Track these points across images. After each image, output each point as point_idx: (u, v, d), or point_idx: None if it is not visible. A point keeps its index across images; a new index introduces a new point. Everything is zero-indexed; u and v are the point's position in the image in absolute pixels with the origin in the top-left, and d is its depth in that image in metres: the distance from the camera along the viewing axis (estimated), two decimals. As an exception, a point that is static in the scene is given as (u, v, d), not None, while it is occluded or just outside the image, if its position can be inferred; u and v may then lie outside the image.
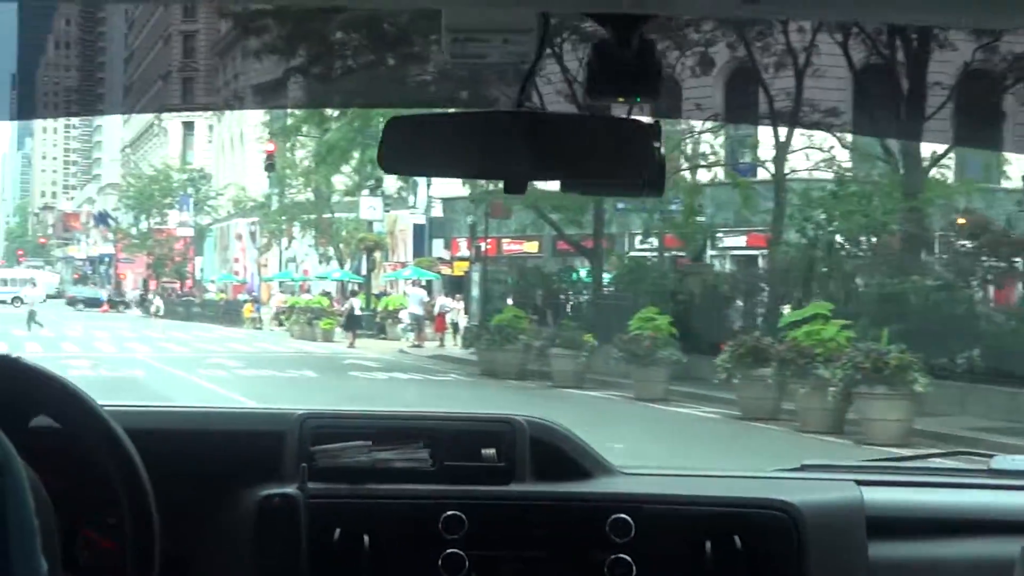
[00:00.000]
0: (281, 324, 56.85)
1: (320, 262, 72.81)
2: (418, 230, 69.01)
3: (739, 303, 31.87)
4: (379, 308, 52.32)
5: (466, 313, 46.16)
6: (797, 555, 3.32)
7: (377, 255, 59.11)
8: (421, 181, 67.71)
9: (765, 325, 27.44)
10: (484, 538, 3.31)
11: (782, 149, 32.33)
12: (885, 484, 3.67)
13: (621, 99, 2.26)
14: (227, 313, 64.88)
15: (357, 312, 47.21)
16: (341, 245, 67.74)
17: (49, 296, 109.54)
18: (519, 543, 3.34)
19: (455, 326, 44.88)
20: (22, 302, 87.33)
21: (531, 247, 57.62)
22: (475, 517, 3.30)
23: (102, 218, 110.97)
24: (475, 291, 41.70)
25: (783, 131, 32.70)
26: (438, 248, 67.17)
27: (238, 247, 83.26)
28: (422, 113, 2.34)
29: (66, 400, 2.37)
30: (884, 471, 3.94)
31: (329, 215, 67.14)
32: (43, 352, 38.77)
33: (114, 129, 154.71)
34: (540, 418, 3.59)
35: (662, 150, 2.29)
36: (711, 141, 37.63)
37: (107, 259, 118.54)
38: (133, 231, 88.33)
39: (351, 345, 44.90)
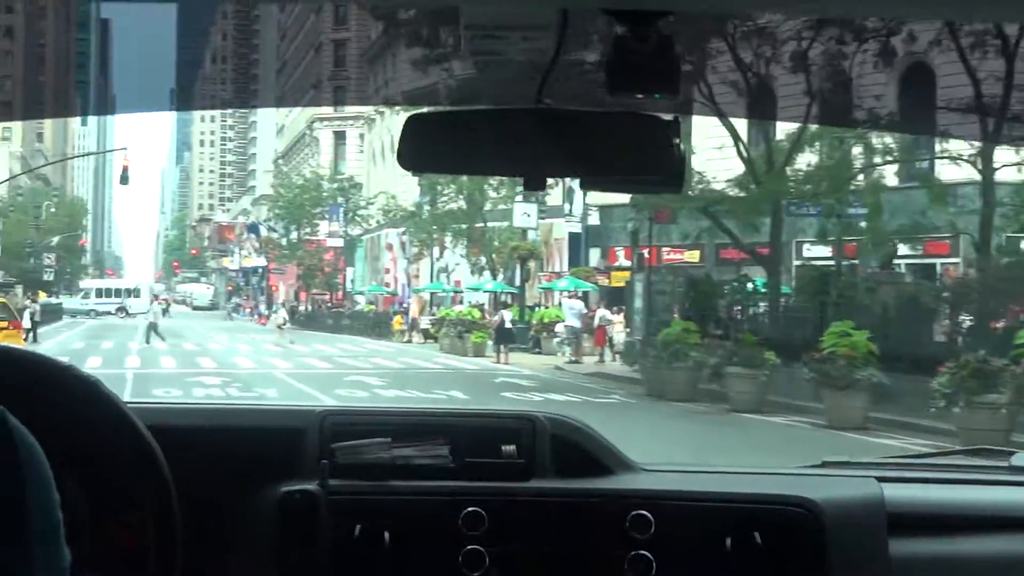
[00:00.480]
0: (428, 338, 54.22)
1: (472, 273, 70.26)
2: (573, 239, 66.13)
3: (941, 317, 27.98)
4: (534, 321, 49.23)
5: (627, 326, 42.93)
6: (818, 552, 3.25)
7: (531, 265, 56.02)
8: (578, 188, 65.70)
9: (982, 343, 23.64)
10: (504, 534, 3.24)
11: (989, 145, 28.47)
12: (906, 481, 3.58)
13: (640, 95, 2.18)
14: (376, 325, 62.43)
15: (508, 325, 44.12)
16: (494, 255, 65.21)
17: (200, 307, 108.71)
18: (539, 539, 3.27)
19: (610, 340, 41.75)
20: (127, 313, 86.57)
21: (692, 256, 54.27)
22: (495, 513, 3.23)
23: (253, 228, 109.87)
24: (637, 303, 38.40)
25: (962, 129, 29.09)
26: (594, 258, 64.23)
27: (388, 258, 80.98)
28: (441, 110, 2.29)
29: (89, 397, 2.32)
30: (905, 468, 3.83)
31: (482, 224, 64.72)
32: (177, 367, 36.44)
33: (268, 141, 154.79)
34: (560, 414, 3.52)
35: (682, 146, 2.21)
36: (881, 140, 33.84)
37: (260, 271, 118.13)
38: (283, 242, 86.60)
39: (502, 361, 41.93)
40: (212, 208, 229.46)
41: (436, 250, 71.42)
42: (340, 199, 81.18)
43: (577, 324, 41.83)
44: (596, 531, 3.28)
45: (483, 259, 66.22)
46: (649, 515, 3.24)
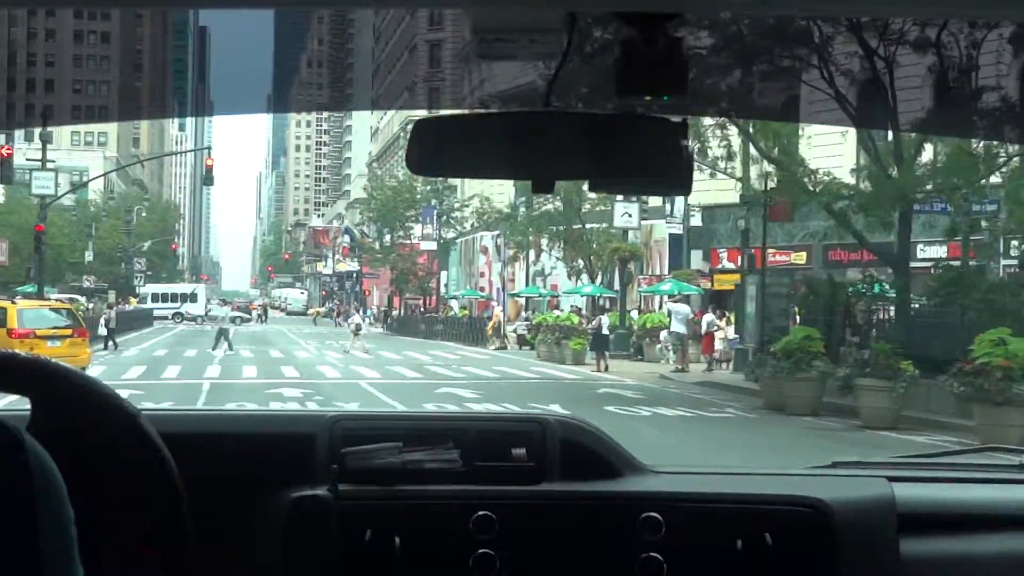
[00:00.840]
0: (524, 344, 51.75)
1: (569, 276, 67.86)
2: (674, 240, 63.44)
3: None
4: (635, 326, 46.54)
5: (736, 332, 40.13)
6: (828, 552, 3.25)
7: (632, 268, 53.32)
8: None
9: None
10: (515, 538, 3.24)
11: None
12: (916, 480, 3.58)
13: (649, 98, 2.19)
14: (470, 331, 60.09)
15: (605, 331, 41.38)
16: (592, 257, 62.73)
17: (294, 312, 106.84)
18: (550, 543, 3.27)
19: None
20: (183, 317, 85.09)
21: (798, 258, 51.42)
22: (506, 517, 3.24)
23: (348, 232, 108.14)
24: (750, 307, 35.51)
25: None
26: (696, 260, 61.51)
27: (483, 261, 78.64)
28: (449, 114, 2.30)
29: (101, 403, 2.31)
30: (915, 467, 3.83)
31: (579, 225, 62.38)
32: (257, 377, 34.26)
33: (362, 144, 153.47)
34: (569, 417, 3.53)
35: (690, 148, 2.23)
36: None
37: (354, 275, 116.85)
38: (376, 245, 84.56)
39: (601, 368, 39.30)
40: (307, 213, 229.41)
41: (532, 253, 69.10)
42: (434, 201, 78.92)
43: (683, 330, 39.07)
44: (607, 533, 3.25)
45: (580, 262, 63.90)
46: (660, 517, 3.22)
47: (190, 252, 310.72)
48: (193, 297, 78.97)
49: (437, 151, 2.28)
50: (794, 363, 25.97)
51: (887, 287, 31.01)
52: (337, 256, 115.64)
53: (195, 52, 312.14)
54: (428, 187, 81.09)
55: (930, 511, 3.42)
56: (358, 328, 51.09)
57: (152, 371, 36.05)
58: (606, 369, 39.36)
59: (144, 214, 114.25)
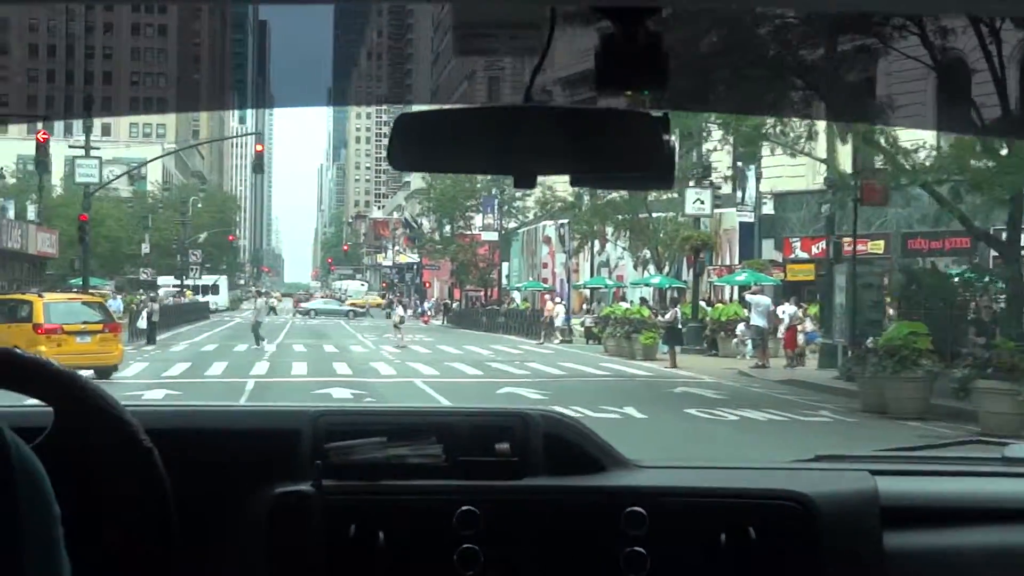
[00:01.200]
0: (590, 337, 49.04)
1: (635, 267, 65.14)
2: (745, 229, 60.62)
3: None
4: (708, 319, 43.70)
5: (818, 326, 37.25)
6: (812, 546, 3.24)
7: (703, 258, 50.53)
8: (751, 176, 60.26)
9: None
10: (499, 533, 3.23)
11: None
12: (899, 474, 3.57)
13: (629, 92, 2.18)
14: (533, 324, 57.45)
15: (679, 324, 38.61)
16: (659, 247, 59.97)
17: (356, 307, 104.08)
18: (534, 538, 3.25)
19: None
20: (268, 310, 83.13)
21: (875, 247, 48.42)
22: (489, 512, 3.22)
23: (408, 224, 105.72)
24: (839, 298, 32.56)
25: None
26: (767, 250, 58.62)
27: (546, 252, 75.89)
28: (431, 109, 2.31)
29: (86, 399, 2.35)
30: (898, 461, 3.83)
31: (646, 214, 59.65)
32: (308, 375, 31.79)
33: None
34: (552, 411, 3.51)
35: (672, 142, 2.23)
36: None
37: (414, 267, 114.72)
38: (436, 236, 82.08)
39: (673, 364, 36.53)
40: (368, 205, 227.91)
41: (596, 243, 66.39)
42: (495, 191, 76.27)
43: (763, 323, 36.18)
44: (590, 528, 3.24)
45: (647, 252, 61.20)
46: (643, 511, 3.21)
47: (251, 245, 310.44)
48: (215, 289, 75.96)
49: (418, 146, 2.26)
50: (898, 361, 23.14)
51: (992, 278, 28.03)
52: (397, 247, 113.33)
53: (255, 46, 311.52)
54: (489, 177, 78.63)
55: (913, 504, 3.37)
56: (401, 321, 48.56)
57: (196, 368, 33.70)
58: (675, 365, 36.63)
59: (200, 205, 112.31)
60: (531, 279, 74.63)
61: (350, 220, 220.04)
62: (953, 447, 4.38)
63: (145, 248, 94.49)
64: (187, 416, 3.56)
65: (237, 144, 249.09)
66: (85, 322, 29.65)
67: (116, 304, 49.84)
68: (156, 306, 49.54)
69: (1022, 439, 4.01)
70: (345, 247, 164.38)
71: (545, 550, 3.25)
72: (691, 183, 46.33)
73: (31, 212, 73.01)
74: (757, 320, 36.29)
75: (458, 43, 2.22)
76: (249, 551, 3.17)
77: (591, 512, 3.26)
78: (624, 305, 47.27)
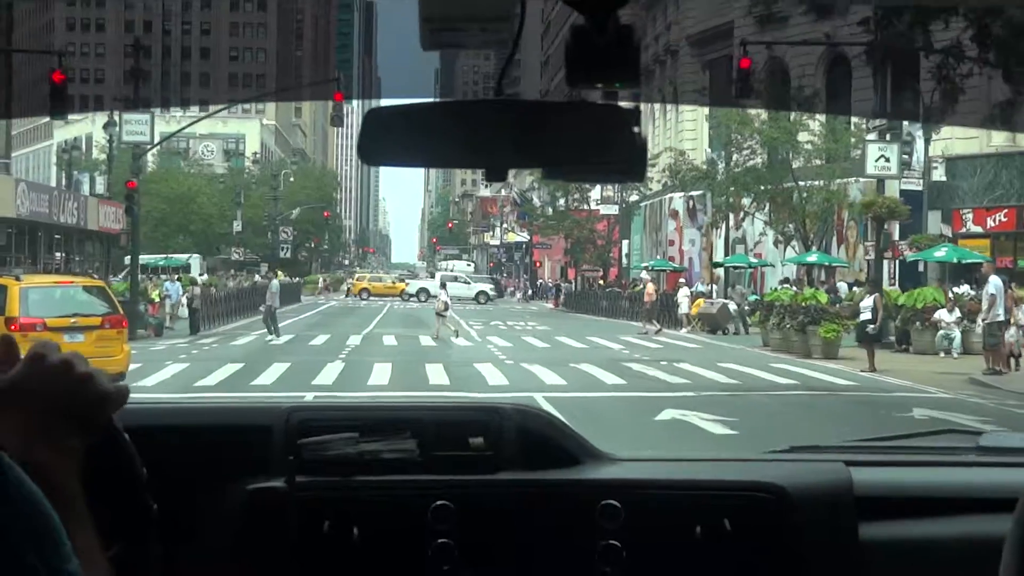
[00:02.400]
0: (745, 329, 39.90)
1: (775, 243, 55.98)
2: (909, 200, 51.33)
3: None
4: (895, 305, 34.20)
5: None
6: (787, 537, 3.22)
7: (888, 229, 41.24)
8: (919, 136, 50.93)
9: None
10: (473, 527, 3.18)
11: None
12: (874, 464, 3.55)
13: (600, 85, 2.19)
14: (663, 309, 48.27)
15: (868, 315, 29.08)
16: (806, 220, 50.82)
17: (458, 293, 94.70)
18: (509, 531, 3.21)
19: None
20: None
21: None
22: (464, 506, 3.18)
23: (516, 200, 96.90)
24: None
25: None
26: (933, 223, 49.15)
27: (672, 227, 66.61)
28: (401, 104, 2.26)
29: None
30: (873, 451, 3.81)
31: (791, 183, 50.77)
32: (389, 386, 23.08)
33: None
34: (527, 405, 3.48)
35: (643, 135, 2.19)
36: None
37: (523, 246, 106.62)
38: (548, 211, 72.87)
39: (872, 367, 27.29)
40: (475, 184, 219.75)
41: (731, 217, 57.18)
42: (614, 159, 67.31)
43: (1001, 314, 26.67)
44: (566, 522, 3.20)
45: (791, 226, 52.02)
46: (618, 504, 3.16)
47: (357, 225, 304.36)
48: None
49: (388, 141, 2.22)
50: None
51: None
52: (506, 225, 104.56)
53: (361, 26, 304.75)
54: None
55: (888, 495, 3.32)
56: (445, 308, 39.42)
57: (244, 373, 25.20)
58: (874, 368, 27.36)
59: (293, 179, 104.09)
60: (658, 257, 65.39)
61: (456, 199, 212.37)
62: (927, 436, 4.07)
63: (237, 226, 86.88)
64: (160, 413, 3.48)
65: (345, 124, 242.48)
66: (76, 315, 21.10)
67: (174, 289, 41.57)
68: (197, 290, 41.11)
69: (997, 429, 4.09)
70: (450, 224, 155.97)
71: (520, 544, 3.18)
72: (872, 136, 37.01)
73: (100, 185, 65.14)
74: (995, 308, 26.69)
75: (427, 37, 2.16)
76: (223, 547, 3.10)
77: (566, 505, 3.20)
78: (788, 289, 37.77)
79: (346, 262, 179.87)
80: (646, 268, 58.10)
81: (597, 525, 3.15)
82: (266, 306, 38.93)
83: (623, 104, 2.17)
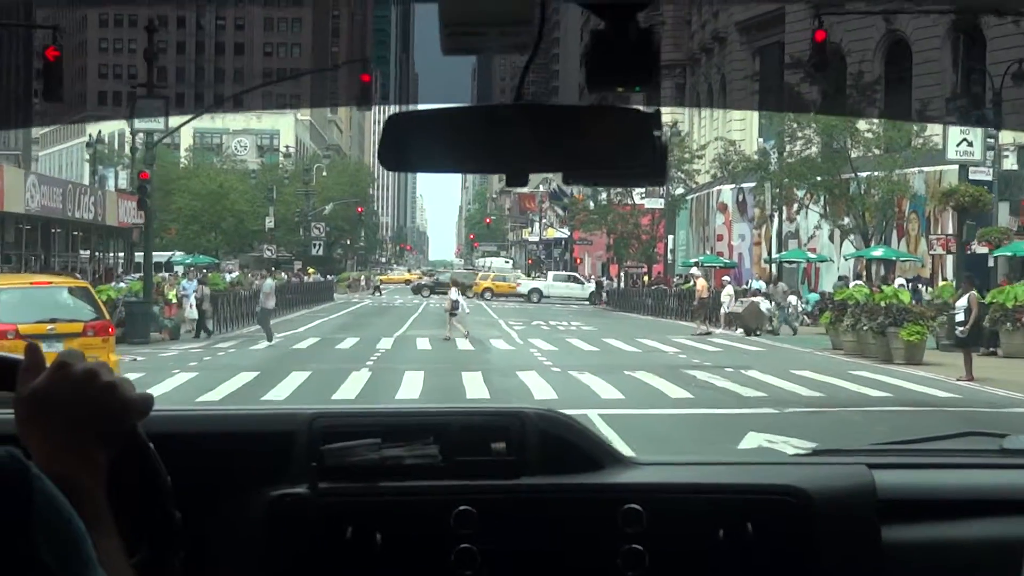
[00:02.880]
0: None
1: (829, 238, 52.58)
2: (976, 190, 47.76)
3: None
4: (989, 303, 30.77)
5: None
6: (810, 540, 3.15)
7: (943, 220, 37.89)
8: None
9: None
10: (496, 532, 3.15)
11: None
12: (896, 467, 3.45)
13: (620, 89, 2.19)
14: (715, 308, 44.93)
15: (962, 316, 25.67)
16: (865, 213, 47.57)
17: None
18: (531, 536, 3.17)
19: None
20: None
21: None
22: (486, 511, 3.15)
23: (555, 195, 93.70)
24: None
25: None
26: (1003, 216, 45.78)
27: (721, 221, 63.16)
28: (422, 109, 2.28)
29: None
30: (895, 454, 3.72)
31: (849, 174, 47.66)
32: (419, 399, 19.87)
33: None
34: (548, 410, 3.38)
35: (663, 138, 2.21)
36: None
37: (562, 242, 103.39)
38: (590, 205, 69.45)
39: (969, 375, 23.94)
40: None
41: (784, 209, 53.75)
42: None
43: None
44: (588, 526, 3.16)
45: (848, 219, 48.74)
46: (640, 508, 3.13)
47: (395, 222, 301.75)
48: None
49: (410, 146, 2.23)
50: None
51: None
52: (545, 221, 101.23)
53: (398, 23, 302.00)
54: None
55: (911, 497, 3.26)
56: (455, 307, 36.10)
57: (257, 384, 22.09)
58: (971, 376, 24.01)
59: (325, 173, 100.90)
60: (707, 253, 61.96)
61: (494, 196, 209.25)
62: (951, 439, 3.91)
63: (269, 222, 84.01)
64: (182, 420, 3.43)
65: (377, 120, 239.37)
66: (55, 320, 17.95)
67: (190, 288, 38.53)
68: (207, 290, 37.98)
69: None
70: (488, 220, 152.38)
71: (543, 548, 3.15)
72: (954, 116, 33.63)
73: (123, 180, 62.22)
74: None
75: (447, 41, 2.18)
76: (247, 554, 3.11)
77: (588, 510, 3.17)
78: (859, 286, 34.32)
79: (383, 259, 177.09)
80: (696, 264, 54.65)
81: (619, 529, 3.09)
82: (260, 308, 35.94)
83: (643, 108, 2.14)
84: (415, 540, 3.13)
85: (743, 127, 63.58)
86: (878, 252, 43.17)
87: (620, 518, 3.11)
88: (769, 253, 52.49)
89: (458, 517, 3.11)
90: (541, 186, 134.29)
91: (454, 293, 36.97)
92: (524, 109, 2.19)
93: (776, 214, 52.58)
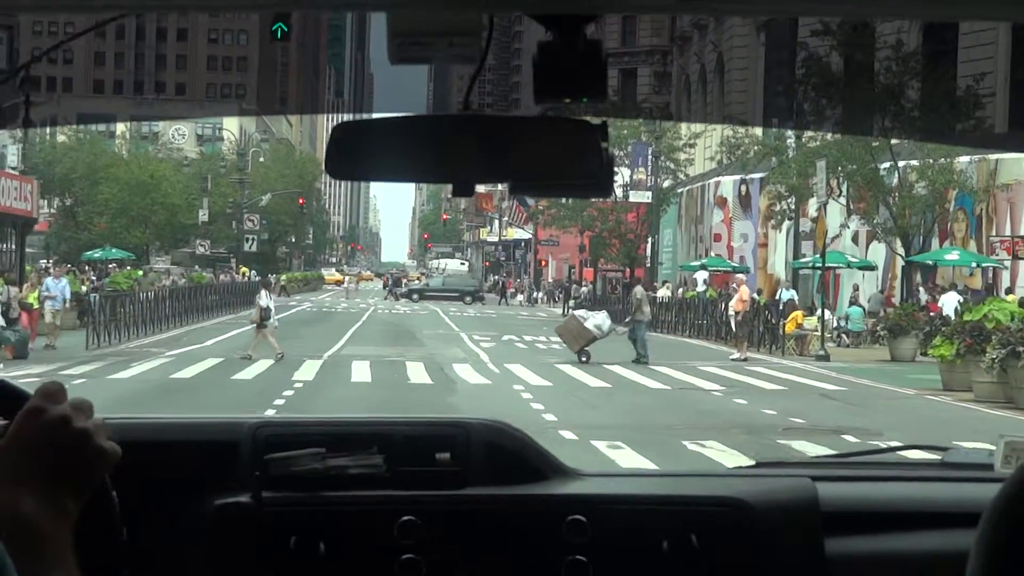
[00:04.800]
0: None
1: (854, 240, 43.27)
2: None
3: None
4: None
5: None
6: (753, 552, 3.13)
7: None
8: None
9: None
10: (440, 543, 3.10)
11: None
12: (840, 479, 3.43)
13: (568, 100, 2.13)
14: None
15: None
16: (906, 209, 38.60)
17: (467, 294, 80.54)
18: (475, 547, 3.12)
19: None
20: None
21: None
22: (430, 522, 3.10)
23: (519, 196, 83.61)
24: None
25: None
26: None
27: (720, 218, 53.41)
28: (368, 119, 2.23)
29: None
30: (839, 466, 3.77)
31: (888, 164, 39.11)
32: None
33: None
34: (493, 420, 3.28)
35: (610, 150, 2.16)
36: None
37: (522, 243, 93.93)
38: (563, 201, 59.36)
39: None
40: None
41: (798, 206, 44.24)
42: (644, 136, 53.93)
43: None
44: (532, 537, 3.12)
45: (879, 216, 39.53)
46: (585, 520, 3.09)
47: (346, 222, 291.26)
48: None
49: (357, 155, 2.18)
50: None
51: None
52: (506, 219, 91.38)
53: (354, 20, 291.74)
54: (639, 121, 56.17)
55: (854, 510, 3.23)
56: (265, 316, 26.51)
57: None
58: None
59: (263, 159, 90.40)
60: (698, 254, 52.23)
61: (449, 196, 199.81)
62: (892, 452, 4.06)
63: (203, 215, 73.84)
64: (124, 429, 3.11)
65: (332, 119, 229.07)
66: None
67: (58, 288, 28.48)
68: (13, 291, 27.99)
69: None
70: (444, 216, 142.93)
71: (487, 559, 3.11)
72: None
73: (12, 158, 51.81)
74: None
75: (396, 51, 2.14)
76: (190, 563, 3.05)
77: (533, 521, 3.13)
78: (1006, 300, 24.48)
79: (333, 260, 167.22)
80: (702, 267, 44.84)
81: (564, 540, 3.06)
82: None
83: (590, 119, 2.11)
84: (359, 550, 3.08)
85: (744, 112, 54.03)
86: (953, 255, 33.56)
87: (564, 529, 3.05)
88: (794, 256, 42.84)
89: (402, 527, 3.06)
90: (500, 185, 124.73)
91: (263, 298, 27.16)
92: (471, 119, 2.17)
93: (796, 210, 43.02)
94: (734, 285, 32.89)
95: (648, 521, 3.12)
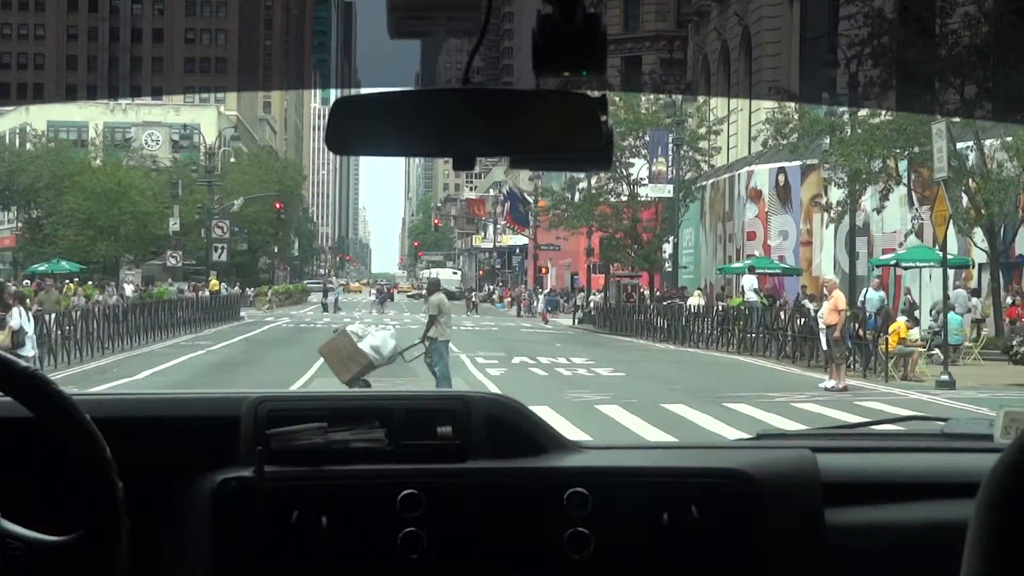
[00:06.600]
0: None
1: (909, 233, 36.31)
2: None
3: None
4: None
5: None
6: (753, 523, 3.09)
7: None
8: None
9: None
10: (442, 516, 3.05)
11: None
12: (840, 451, 3.41)
13: (567, 73, 2.12)
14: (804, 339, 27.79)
15: None
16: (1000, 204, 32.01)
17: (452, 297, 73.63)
18: (477, 520, 3.07)
19: None
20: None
21: None
22: (432, 495, 3.04)
23: (513, 196, 76.48)
24: None
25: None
26: None
27: (754, 213, 46.10)
28: (369, 92, 2.23)
29: (35, 389, 2.18)
30: (839, 438, 3.73)
31: (967, 143, 32.11)
32: None
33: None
34: (495, 394, 3.29)
35: (609, 123, 2.15)
36: None
37: (517, 249, 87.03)
38: (570, 197, 52.00)
39: None
40: (458, 188, 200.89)
41: (854, 193, 37.10)
42: (667, 120, 46.60)
43: None
44: (533, 510, 3.07)
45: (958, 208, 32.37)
46: (586, 492, 3.05)
47: (336, 233, 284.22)
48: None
49: (357, 130, 2.19)
50: None
51: None
52: (501, 224, 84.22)
53: (339, 25, 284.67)
54: (659, 101, 48.90)
55: (854, 481, 3.18)
56: (18, 343, 19.27)
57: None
58: None
59: (235, 159, 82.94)
60: (727, 255, 44.96)
61: (438, 204, 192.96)
62: (893, 423, 4.04)
63: (173, 224, 66.61)
64: (127, 404, 3.32)
65: (318, 126, 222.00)
66: None
67: (17, 321, 21.15)
68: (20, 311, 20.63)
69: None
70: (436, 220, 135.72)
71: (488, 532, 3.06)
72: None
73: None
74: None
75: (395, 25, 2.12)
76: (192, 538, 3.02)
77: (534, 494, 3.08)
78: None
79: (321, 271, 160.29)
80: (750, 269, 37.52)
81: (565, 513, 3.02)
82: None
83: (590, 92, 2.09)
84: (361, 524, 3.03)
85: (775, 92, 46.80)
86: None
87: (566, 501, 3.03)
88: (852, 252, 35.57)
89: (404, 501, 3.01)
90: (492, 190, 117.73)
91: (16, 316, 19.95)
92: (471, 93, 2.16)
93: (855, 201, 35.85)
94: (824, 290, 25.36)
95: (649, 493, 3.06)
